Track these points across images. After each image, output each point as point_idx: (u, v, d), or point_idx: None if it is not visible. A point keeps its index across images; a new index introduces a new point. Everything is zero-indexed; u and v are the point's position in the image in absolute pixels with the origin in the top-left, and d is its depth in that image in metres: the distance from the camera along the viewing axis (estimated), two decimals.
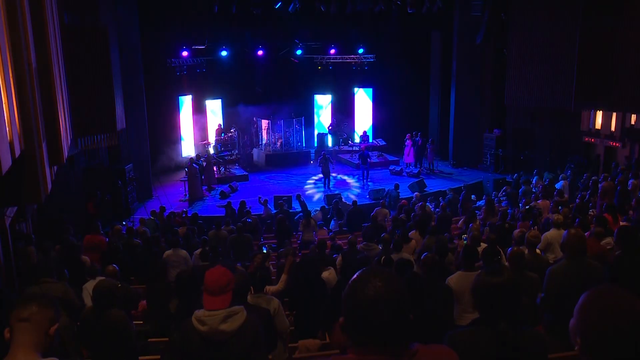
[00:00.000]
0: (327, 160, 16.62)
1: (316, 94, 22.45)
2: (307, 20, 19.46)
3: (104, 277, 5.49)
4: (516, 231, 7.73)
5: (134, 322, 5.45)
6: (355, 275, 1.56)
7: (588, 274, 4.13)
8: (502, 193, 14.49)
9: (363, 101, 22.63)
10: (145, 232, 9.80)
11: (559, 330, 3.96)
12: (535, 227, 8.81)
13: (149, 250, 8.57)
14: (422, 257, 5.32)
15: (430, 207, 12.73)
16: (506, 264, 5.30)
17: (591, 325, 1.51)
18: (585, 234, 6.50)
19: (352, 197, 14.88)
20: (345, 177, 18.47)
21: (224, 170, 18.33)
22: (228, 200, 15.08)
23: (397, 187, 15.36)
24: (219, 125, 20.47)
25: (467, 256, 5.05)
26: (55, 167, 6.70)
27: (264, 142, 20.57)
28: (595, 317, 1.51)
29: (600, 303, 1.53)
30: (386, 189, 15.69)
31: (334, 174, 17.92)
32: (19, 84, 4.42)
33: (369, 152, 18.04)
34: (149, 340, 5.38)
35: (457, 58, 19.33)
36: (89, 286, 5.72)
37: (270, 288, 5.83)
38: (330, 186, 16.94)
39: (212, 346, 2.89)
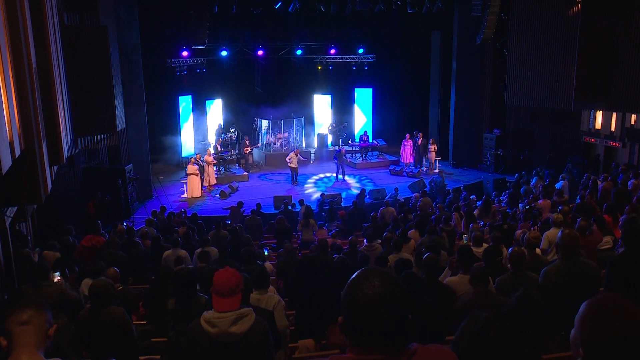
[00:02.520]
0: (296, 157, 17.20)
1: (316, 94, 22.44)
2: (307, 20, 19.46)
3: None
4: (518, 231, 7.75)
5: (136, 322, 5.45)
6: (354, 275, 1.56)
7: (583, 274, 4.13)
8: (504, 195, 14.48)
9: (363, 101, 22.62)
10: (147, 232, 9.80)
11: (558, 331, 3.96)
12: (536, 227, 8.82)
13: (150, 250, 8.57)
14: (423, 258, 5.31)
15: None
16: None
17: (593, 336, 1.48)
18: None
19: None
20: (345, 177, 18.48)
21: (224, 170, 18.33)
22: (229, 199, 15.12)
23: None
24: (219, 125, 20.48)
25: (463, 257, 5.02)
26: (55, 167, 6.70)
27: (264, 142, 20.57)
28: (597, 327, 1.48)
29: (602, 313, 1.50)
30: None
31: (332, 174, 18.00)
32: (19, 84, 4.43)
33: (343, 149, 18.45)
34: (152, 340, 5.38)
35: (457, 58, 19.33)
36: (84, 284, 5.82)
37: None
38: (298, 181, 17.48)
39: (221, 348, 2.87)
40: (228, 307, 2.86)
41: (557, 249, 4.40)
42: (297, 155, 17.16)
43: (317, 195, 16.49)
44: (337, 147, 19.16)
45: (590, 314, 1.52)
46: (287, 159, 17.43)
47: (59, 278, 5.48)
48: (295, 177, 17.46)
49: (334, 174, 18.03)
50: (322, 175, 18.22)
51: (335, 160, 17.84)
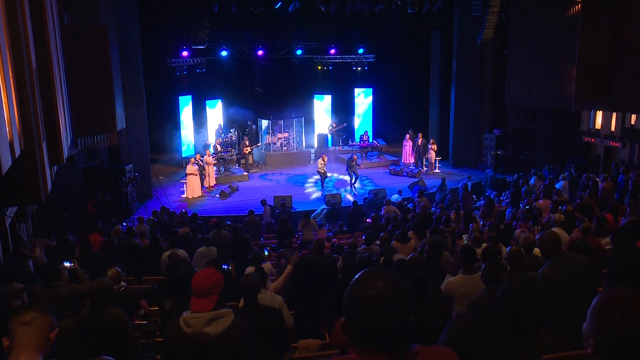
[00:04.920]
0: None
1: (316, 94, 22.43)
2: (307, 20, 19.46)
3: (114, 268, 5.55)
4: (517, 231, 7.74)
5: (137, 322, 5.45)
6: (357, 276, 1.56)
7: (574, 270, 4.14)
8: (504, 195, 14.47)
9: (363, 101, 22.61)
10: (145, 232, 9.81)
11: (557, 330, 3.96)
12: (536, 227, 8.82)
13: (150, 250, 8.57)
14: (407, 258, 5.31)
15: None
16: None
17: (604, 328, 1.52)
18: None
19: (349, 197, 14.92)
20: (343, 177, 18.43)
21: (224, 170, 18.33)
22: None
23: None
24: (219, 125, 20.47)
25: (465, 257, 5.03)
26: (55, 167, 6.70)
27: (264, 142, 20.57)
28: (609, 319, 1.52)
29: (614, 305, 1.54)
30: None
31: (332, 174, 17.98)
32: (19, 84, 4.43)
33: (355, 157, 17.48)
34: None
35: (457, 58, 19.33)
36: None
37: (272, 285, 5.84)
38: (324, 185, 17.00)
39: (197, 348, 2.87)
40: (200, 307, 2.87)
41: (543, 252, 4.41)
42: (324, 161, 16.84)
43: (316, 195, 16.52)
44: (351, 154, 18.58)
45: (601, 305, 1.56)
46: (319, 164, 16.80)
47: (69, 265, 5.52)
48: (322, 182, 16.89)
49: (348, 180, 17.45)
50: (316, 179, 18.12)
51: (347, 169, 17.08)
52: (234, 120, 20.88)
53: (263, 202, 13.42)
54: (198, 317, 2.84)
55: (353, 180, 16.94)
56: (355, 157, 17.75)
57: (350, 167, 16.81)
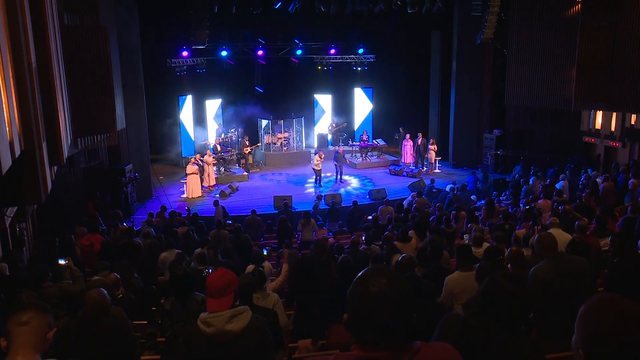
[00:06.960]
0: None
1: (316, 94, 22.44)
2: (307, 20, 19.47)
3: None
4: (517, 231, 7.74)
5: (137, 322, 5.44)
6: (360, 273, 1.59)
7: (570, 269, 4.13)
8: (504, 195, 14.48)
9: (363, 101, 22.61)
10: (149, 232, 9.80)
11: (548, 330, 3.95)
12: (537, 227, 8.82)
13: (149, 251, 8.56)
14: (399, 259, 5.37)
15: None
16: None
17: (592, 335, 1.47)
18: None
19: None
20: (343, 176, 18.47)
21: (224, 170, 18.33)
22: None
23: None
24: (219, 125, 20.47)
25: (462, 256, 5.11)
26: (55, 167, 6.70)
27: (264, 142, 20.57)
28: (595, 326, 1.47)
29: (599, 312, 1.49)
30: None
31: (330, 174, 18.04)
32: (19, 84, 4.43)
33: (341, 149, 18.34)
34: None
35: (457, 58, 19.33)
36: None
37: (271, 285, 5.84)
38: (321, 183, 17.33)
39: (219, 348, 2.88)
40: (218, 307, 2.88)
41: (540, 252, 4.41)
42: (321, 158, 16.98)
43: (310, 190, 16.55)
44: (335, 148, 19.08)
45: (588, 313, 1.51)
46: (315, 161, 17.19)
47: (64, 262, 5.50)
48: (320, 180, 17.17)
49: (334, 175, 17.96)
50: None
51: (334, 162, 17.69)
52: (234, 120, 20.88)
53: (215, 203, 13.21)
54: (218, 316, 2.85)
55: (339, 177, 17.49)
56: (341, 149, 18.06)
57: (338, 160, 17.11)
